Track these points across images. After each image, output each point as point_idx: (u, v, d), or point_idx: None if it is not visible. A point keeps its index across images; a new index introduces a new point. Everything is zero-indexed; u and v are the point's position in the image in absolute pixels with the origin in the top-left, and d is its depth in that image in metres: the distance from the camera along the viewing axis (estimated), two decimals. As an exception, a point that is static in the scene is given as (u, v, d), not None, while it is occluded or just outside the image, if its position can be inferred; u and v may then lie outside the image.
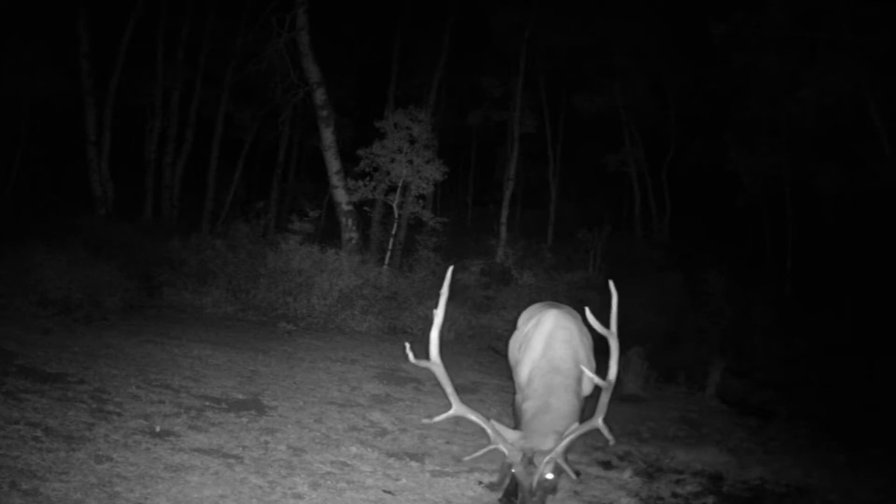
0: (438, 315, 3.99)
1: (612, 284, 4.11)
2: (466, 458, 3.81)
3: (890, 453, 6.80)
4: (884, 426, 7.78)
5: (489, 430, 3.66)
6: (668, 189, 24.90)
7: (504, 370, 8.28)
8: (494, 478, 5.28)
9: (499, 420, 6.88)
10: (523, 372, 4.55)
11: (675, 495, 5.24)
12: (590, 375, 4.14)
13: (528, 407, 4.13)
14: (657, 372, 9.53)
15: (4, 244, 10.31)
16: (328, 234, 15.16)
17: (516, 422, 4.65)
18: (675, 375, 9.90)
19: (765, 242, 22.78)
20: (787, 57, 16.93)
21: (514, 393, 5.11)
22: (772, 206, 22.70)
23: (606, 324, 4.04)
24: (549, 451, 3.73)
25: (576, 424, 3.88)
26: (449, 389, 3.74)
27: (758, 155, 21.28)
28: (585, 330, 4.64)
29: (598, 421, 3.87)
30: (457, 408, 3.68)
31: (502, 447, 3.73)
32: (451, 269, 4.06)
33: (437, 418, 3.75)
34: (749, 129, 21.15)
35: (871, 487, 6.07)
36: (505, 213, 20.02)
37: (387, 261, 14.64)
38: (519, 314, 5.49)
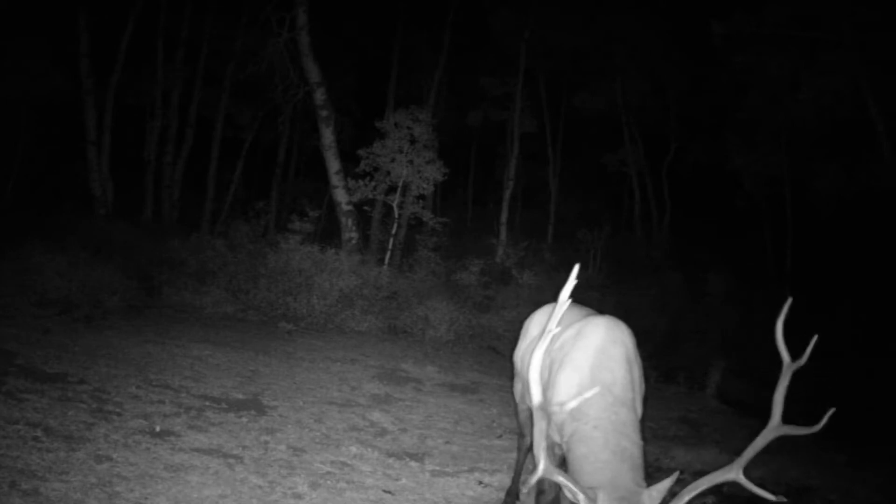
0: (547, 335, 2.95)
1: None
2: (525, 490, 2.97)
3: (890, 453, 6.80)
4: (884, 426, 7.78)
5: (582, 497, 2.87)
6: (668, 189, 24.93)
7: (505, 370, 8.29)
8: (494, 478, 5.29)
9: (498, 420, 6.92)
10: (563, 399, 3.40)
11: (675, 495, 5.24)
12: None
13: (590, 453, 3.15)
14: (657, 372, 9.54)
15: (4, 244, 10.31)
16: (328, 234, 15.16)
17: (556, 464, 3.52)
18: (675, 375, 9.90)
19: (765, 242, 22.81)
20: (787, 57, 16.95)
21: (517, 409, 4.60)
22: (772, 206, 22.73)
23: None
24: None
25: (674, 475, 3.03)
26: (543, 444, 2.91)
27: (758, 155, 21.30)
28: (635, 342, 3.77)
29: (740, 473, 2.91)
30: (545, 469, 2.90)
31: None
32: (576, 267, 2.99)
33: (524, 488, 3.00)
34: (749, 129, 21.18)
35: (871, 487, 6.08)
36: (505, 213, 20.04)
37: (387, 261, 14.63)
38: (522, 316, 4.85)
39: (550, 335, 2.99)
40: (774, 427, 3.05)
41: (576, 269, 3.01)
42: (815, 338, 3.07)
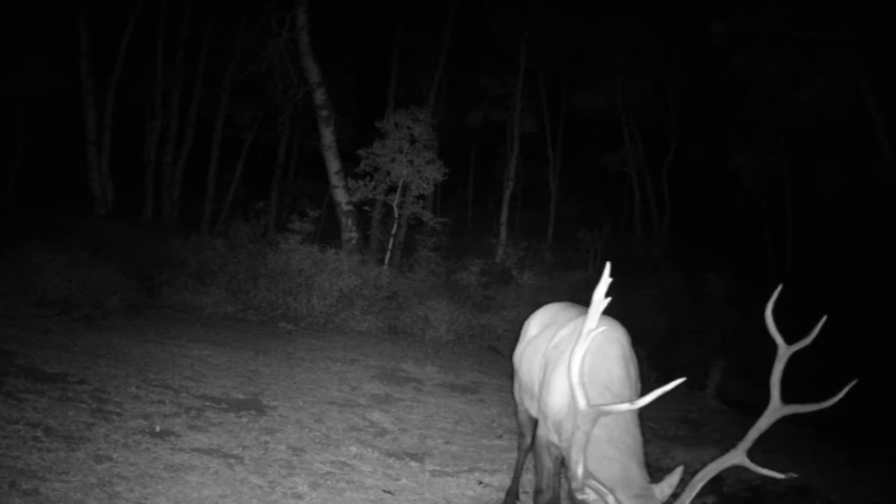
0: (586, 338, 2.86)
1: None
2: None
3: (890, 453, 6.80)
4: (883, 426, 7.78)
5: (612, 500, 2.80)
6: (668, 189, 24.95)
7: (505, 370, 8.29)
8: (494, 478, 5.29)
9: (498, 420, 6.92)
10: (559, 398, 3.41)
11: (675, 495, 5.24)
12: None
13: (596, 451, 3.06)
14: (657, 372, 9.53)
15: (4, 244, 10.31)
16: (328, 234, 15.15)
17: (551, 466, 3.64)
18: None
19: (765, 243, 22.82)
20: (787, 57, 16.95)
21: (519, 411, 4.60)
22: (772, 206, 22.74)
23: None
24: None
25: (679, 468, 3.00)
26: (583, 447, 2.87)
27: (758, 155, 21.31)
28: (631, 341, 3.71)
29: (744, 457, 2.96)
30: (584, 474, 2.83)
31: None
32: (608, 266, 2.86)
33: (574, 484, 2.89)
34: (749, 129, 21.19)
35: (871, 487, 6.08)
36: (505, 213, 20.05)
37: (387, 261, 14.64)
38: (522, 317, 4.84)
39: (592, 335, 2.86)
40: (776, 408, 3.04)
41: (608, 267, 2.86)
42: (823, 318, 3.05)
